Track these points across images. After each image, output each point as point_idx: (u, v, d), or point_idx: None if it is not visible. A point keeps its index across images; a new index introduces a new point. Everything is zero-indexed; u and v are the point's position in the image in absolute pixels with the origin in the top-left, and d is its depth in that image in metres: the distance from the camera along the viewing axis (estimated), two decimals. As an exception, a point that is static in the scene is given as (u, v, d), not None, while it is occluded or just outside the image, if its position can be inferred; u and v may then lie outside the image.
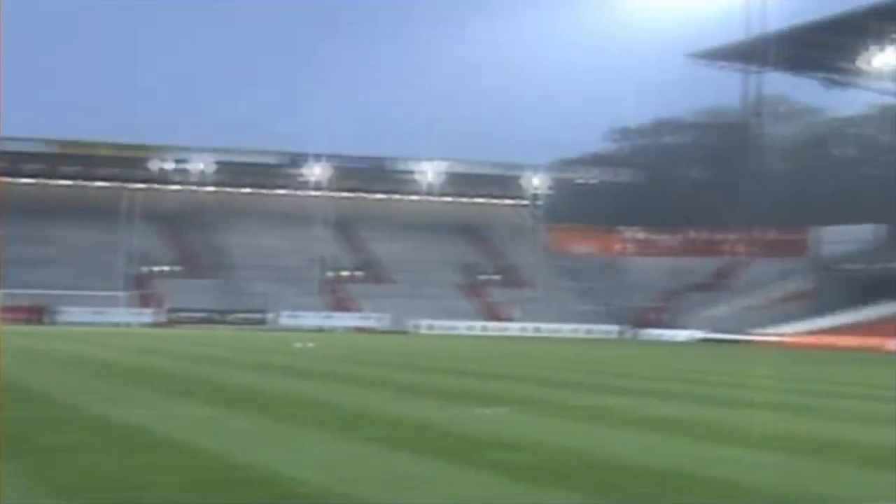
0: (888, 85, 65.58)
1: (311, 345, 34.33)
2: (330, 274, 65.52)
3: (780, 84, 73.56)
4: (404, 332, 55.40)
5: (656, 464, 8.43)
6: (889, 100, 71.11)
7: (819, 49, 62.07)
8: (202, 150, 65.78)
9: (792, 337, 55.37)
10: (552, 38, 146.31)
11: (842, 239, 66.28)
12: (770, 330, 56.94)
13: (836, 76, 67.67)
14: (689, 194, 78.78)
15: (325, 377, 19.25)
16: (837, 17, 56.69)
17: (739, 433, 11.00)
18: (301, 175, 68.08)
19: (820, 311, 59.76)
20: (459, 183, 71.37)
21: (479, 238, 73.63)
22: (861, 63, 62.38)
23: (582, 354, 36.00)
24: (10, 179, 64.35)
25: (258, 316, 58.60)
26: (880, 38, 57.18)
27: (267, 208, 70.39)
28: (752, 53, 64.16)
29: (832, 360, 38.17)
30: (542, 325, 58.88)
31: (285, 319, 58.58)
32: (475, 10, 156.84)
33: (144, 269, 62.32)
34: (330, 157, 66.10)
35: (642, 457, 8.89)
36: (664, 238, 73.11)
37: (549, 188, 69.76)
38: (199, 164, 65.23)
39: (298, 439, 9.64)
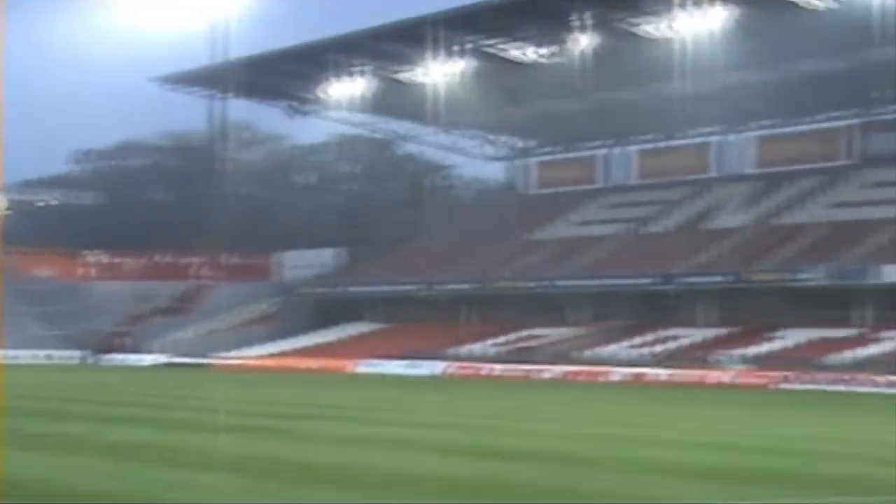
0: (345, 115, 72.73)
1: None
2: None
3: (246, 110, 79.19)
4: None
5: (120, 490, 8.48)
6: (346, 129, 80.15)
7: (282, 77, 67.06)
8: None
9: (255, 360, 59.17)
10: (16, 56, 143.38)
11: (304, 263, 73.19)
12: (234, 353, 60.54)
13: (297, 104, 73.35)
14: (154, 217, 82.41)
15: None
16: (298, 47, 61.67)
17: (204, 456, 11.56)
18: None
19: (283, 334, 64.92)
20: None
21: None
22: (321, 92, 67.87)
23: (43, 381, 36.00)
24: None
25: None
26: (338, 69, 62.49)
27: None
28: (217, 79, 68.31)
29: (293, 381, 41.38)
30: (-2, 352, 59.35)
31: None
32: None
33: None
34: None
35: (106, 484, 8.92)
36: (129, 261, 76.07)
37: (8, 210, 69.74)
38: None
39: None
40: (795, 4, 49.38)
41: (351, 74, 62.12)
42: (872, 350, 49.37)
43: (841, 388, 45.13)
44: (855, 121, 64.54)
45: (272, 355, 61.62)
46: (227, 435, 14.84)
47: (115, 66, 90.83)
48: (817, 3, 49.35)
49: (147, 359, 61.14)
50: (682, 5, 50.31)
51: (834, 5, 49.50)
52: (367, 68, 62.63)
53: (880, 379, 44.64)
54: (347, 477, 10.76)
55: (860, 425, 25.07)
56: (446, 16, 54.76)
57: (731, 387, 47.86)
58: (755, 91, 59.31)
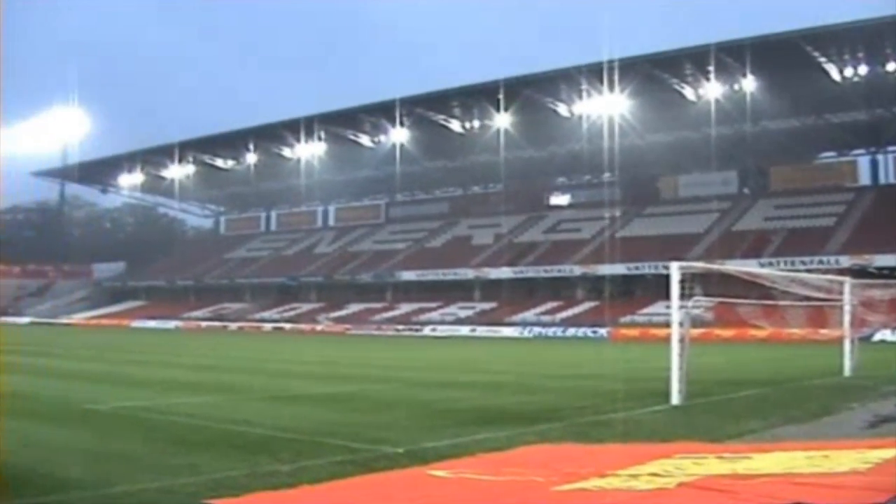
0: (128, 193, 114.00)
1: None
2: None
3: (77, 189, 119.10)
4: None
5: None
6: (130, 200, 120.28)
7: (96, 173, 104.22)
8: None
9: (81, 321, 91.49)
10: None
11: (105, 269, 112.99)
12: (69, 317, 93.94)
13: (105, 187, 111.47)
14: (27, 244, 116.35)
15: None
16: (105, 158, 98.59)
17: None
18: None
19: (95, 307, 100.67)
20: None
21: None
22: (119, 181, 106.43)
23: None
24: None
25: None
26: (124, 168, 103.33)
27: None
28: (64, 174, 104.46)
29: (98, 331, 63.14)
30: None
31: None
32: None
33: None
34: None
35: None
36: (14, 268, 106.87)
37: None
38: None
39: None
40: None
41: (131, 171, 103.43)
42: (396, 313, 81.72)
43: (374, 333, 73.85)
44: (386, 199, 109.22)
45: (89, 318, 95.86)
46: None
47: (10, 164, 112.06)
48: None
49: (23, 320, 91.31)
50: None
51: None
52: (139, 169, 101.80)
53: (389, 327, 75.90)
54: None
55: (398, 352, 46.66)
56: (183, 143, 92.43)
57: (327, 332, 75.41)
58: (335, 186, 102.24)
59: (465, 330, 75.09)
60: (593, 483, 8.41)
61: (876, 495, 5.18)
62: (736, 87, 68.87)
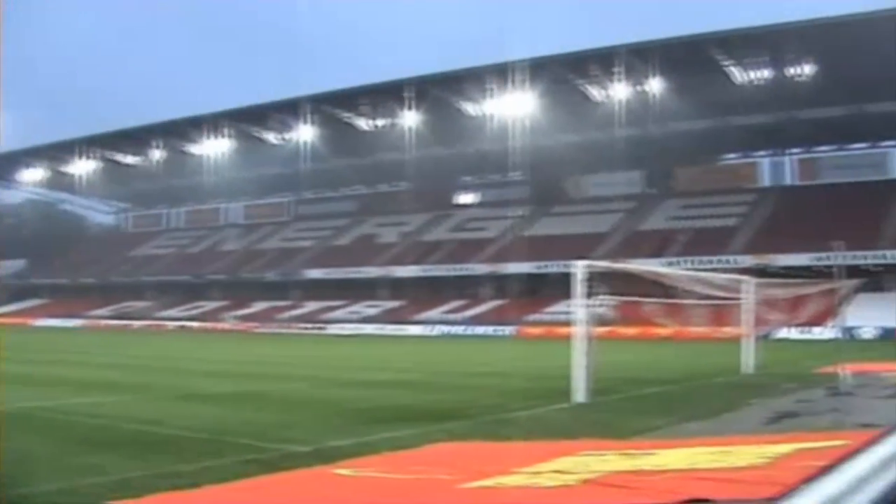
0: (31, 188, 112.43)
1: None
2: None
3: None
4: None
5: None
6: (31, 196, 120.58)
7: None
8: None
9: None
10: None
11: (8, 267, 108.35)
12: None
13: (6, 183, 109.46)
14: None
15: None
16: (11, 152, 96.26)
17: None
18: None
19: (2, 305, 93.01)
20: None
21: None
22: (20, 176, 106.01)
23: None
24: None
25: None
26: (23, 167, 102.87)
27: None
28: None
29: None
30: None
31: None
32: None
33: None
34: None
35: None
36: None
37: None
38: None
39: None
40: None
41: (33, 166, 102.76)
42: (302, 311, 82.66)
43: (280, 331, 75.24)
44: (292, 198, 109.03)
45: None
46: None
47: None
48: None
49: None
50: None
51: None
52: (41, 164, 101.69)
53: (296, 325, 77.73)
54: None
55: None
56: (87, 138, 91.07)
57: (233, 331, 76.79)
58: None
59: (370, 328, 75.44)
60: (498, 481, 8.46)
61: (772, 489, 5.30)
62: (643, 88, 69.92)
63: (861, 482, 3.90)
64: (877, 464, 4.23)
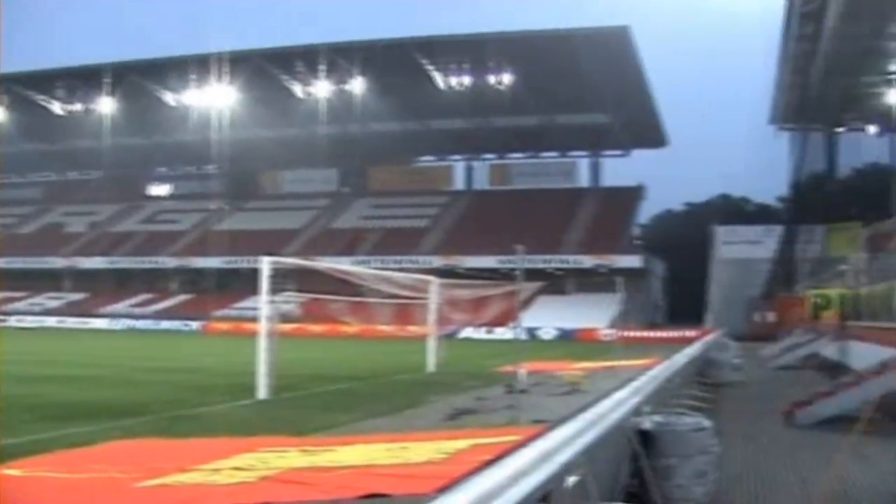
0: None
1: None
2: None
3: None
4: None
5: None
6: None
7: None
8: None
9: None
10: None
11: None
12: None
13: None
14: None
15: None
16: None
17: None
18: None
19: None
20: None
21: None
22: None
23: None
24: None
25: None
26: None
27: None
28: None
29: None
30: None
31: None
32: None
33: None
34: None
35: None
36: None
37: None
38: None
39: None
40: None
41: None
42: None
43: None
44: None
45: None
46: None
47: None
48: None
49: None
50: None
51: None
52: None
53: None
54: None
55: None
56: None
57: None
58: None
59: (53, 321, 72.34)
60: (175, 479, 8.29)
61: (446, 483, 5.50)
62: (346, 87, 70.79)
63: (520, 475, 4.10)
64: (537, 457, 4.48)
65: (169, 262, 79.98)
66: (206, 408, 15.79)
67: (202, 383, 21.00)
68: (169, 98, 75.82)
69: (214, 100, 70.87)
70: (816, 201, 63.29)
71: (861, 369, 17.66)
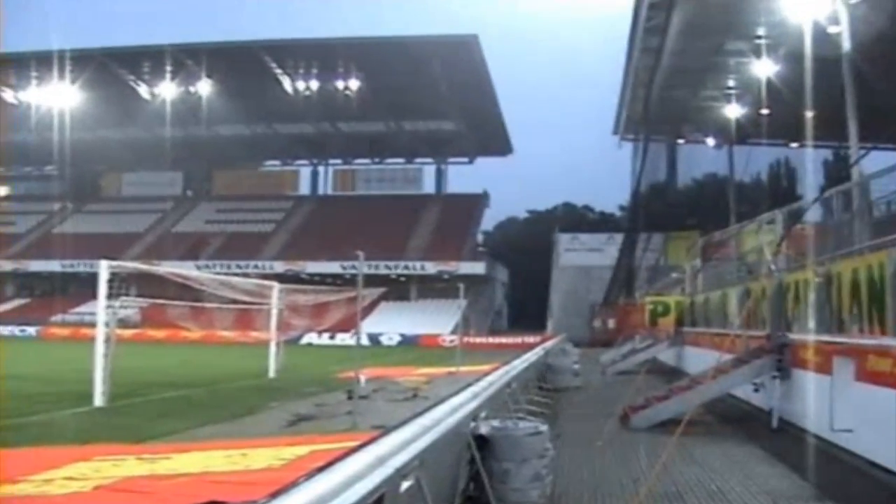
0: None
1: None
2: None
3: None
4: None
5: None
6: None
7: None
8: None
9: None
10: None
11: None
12: None
13: None
14: None
15: None
16: None
17: None
18: None
19: None
20: None
21: None
22: None
23: None
24: None
25: None
26: None
27: None
28: None
29: None
30: None
31: None
32: None
33: None
34: None
35: None
36: None
37: None
38: None
39: None
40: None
41: None
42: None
43: None
44: None
45: None
46: None
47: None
48: None
49: None
50: None
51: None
52: None
53: None
54: None
55: None
56: None
57: None
58: None
59: None
60: (4, 491, 8.03)
61: (281, 487, 5.58)
62: (192, 89, 69.52)
63: (354, 479, 4.20)
64: (372, 461, 4.59)
65: (3, 265, 76.62)
66: (38, 416, 15.28)
67: (35, 391, 20.28)
68: (9, 95, 72.70)
69: (56, 98, 68.41)
70: (656, 210, 65.32)
71: (694, 373, 18.42)
